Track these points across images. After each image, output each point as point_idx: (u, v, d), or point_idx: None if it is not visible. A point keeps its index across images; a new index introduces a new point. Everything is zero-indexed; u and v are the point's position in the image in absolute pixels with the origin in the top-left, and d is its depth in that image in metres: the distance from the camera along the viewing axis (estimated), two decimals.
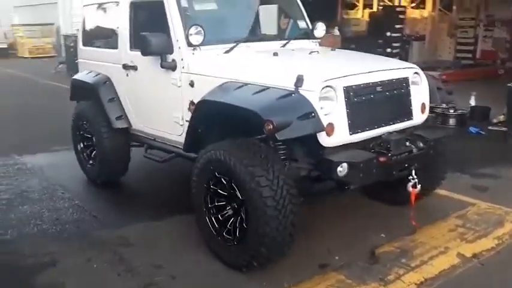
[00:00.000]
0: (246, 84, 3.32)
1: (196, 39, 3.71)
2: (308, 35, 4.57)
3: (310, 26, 4.60)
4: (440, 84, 4.16)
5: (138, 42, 3.95)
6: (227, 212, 3.29)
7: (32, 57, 20.13)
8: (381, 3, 17.42)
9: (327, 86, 3.11)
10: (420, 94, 3.71)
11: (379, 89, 3.40)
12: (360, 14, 19.28)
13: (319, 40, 4.60)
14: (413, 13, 16.72)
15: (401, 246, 3.58)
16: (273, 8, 4.75)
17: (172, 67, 3.87)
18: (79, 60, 5.34)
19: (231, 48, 3.89)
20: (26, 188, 5.03)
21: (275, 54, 3.72)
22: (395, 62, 3.83)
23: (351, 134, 3.22)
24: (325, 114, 3.09)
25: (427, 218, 4.02)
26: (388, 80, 3.46)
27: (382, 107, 3.43)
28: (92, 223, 4.16)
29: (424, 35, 15.91)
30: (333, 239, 3.72)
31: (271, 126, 2.84)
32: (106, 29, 4.84)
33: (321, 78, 3.11)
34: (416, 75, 3.70)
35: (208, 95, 3.42)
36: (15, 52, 21.49)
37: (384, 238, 3.72)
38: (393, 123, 3.49)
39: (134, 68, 4.34)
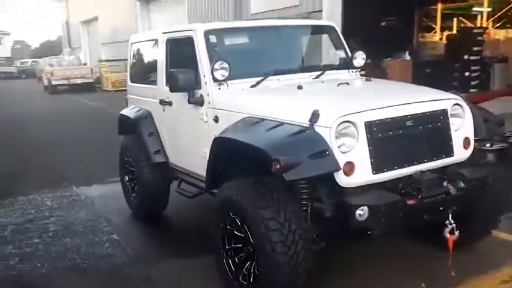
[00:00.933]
0: (263, 120, 3.18)
1: (221, 73, 3.64)
2: (347, 64, 4.35)
3: (350, 55, 4.39)
4: (490, 115, 3.73)
5: (168, 79, 3.97)
6: (242, 255, 3.12)
7: (114, 90, 21.42)
8: (461, 25, 16.61)
9: (345, 122, 2.87)
10: (463, 127, 3.34)
11: (409, 123, 3.09)
12: (438, 37, 18.50)
13: (358, 70, 4.37)
14: (496, 34, 15.72)
15: None
16: (311, 39, 4.59)
17: (200, 102, 3.83)
18: (128, 95, 5.50)
19: (258, 82, 3.78)
20: (73, 220, 5.19)
21: (299, 87, 3.54)
22: (433, 93, 3.47)
23: (374, 174, 2.93)
24: (344, 152, 2.85)
25: (478, 266, 3.57)
26: (420, 114, 3.14)
27: (413, 143, 3.10)
28: (123, 258, 4.16)
29: (507, 57, 14.79)
30: (363, 285, 3.40)
31: (278, 166, 2.66)
32: (148, 66, 4.95)
33: (338, 113, 2.88)
34: (457, 106, 3.33)
35: (224, 131, 3.32)
36: (100, 86, 23.08)
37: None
38: (428, 161, 3.14)
39: (169, 103, 4.36)
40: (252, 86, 3.77)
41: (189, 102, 3.88)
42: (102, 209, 5.50)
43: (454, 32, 16.90)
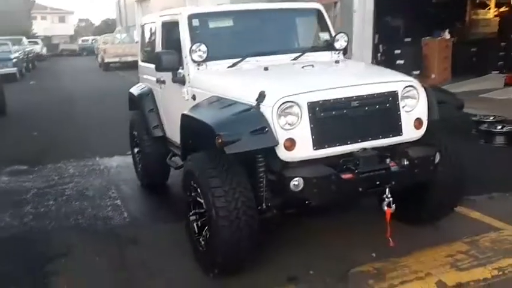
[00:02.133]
0: (221, 99, 3.51)
1: (198, 55, 3.97)
2: (329, 46, 4.54)
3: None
4: (450, 98, 3.82)
5: (154, 59, 4.36)
6: (203, 220, 3.49)
7: None
8: None
9: (288, 102, 3.14)
10: (415, 109, 3.50)
11: (355, 104, 3.30)
12: (492, 14, 17.71)
13: (340, 51, 4.55)
14: None
15: (381, 267, 3.40)
16: (297, 22, 4.80)
17: (182, 81, 4.20)
18: (139, 74, 5.96)
19: (234, 64, 4.09)
20: (88, 186, 5.79)
21: (265, 68, 3.82)
22: (386, 76, 3.63)
23: (315, 149, 3.19)
24: (286, 130, 3.13)
25: (431, 240, 3.76)
26: (367, 95, 3.34)
27: (358, 122, 3.32)
28: (118, 221, 4.67)
29: None
30: (319, 254, 3.68)
31: (220, 140, 2.99)
32: (150, 46, 5.36)
33: (280, 94, 3.16)
34: (410, 88, 3.48)
35: (191, 109, 3.67)
36: None
37: (372, 258, 3.57)
38: (373, 139, 3.35)
39: (163, 82, 4.76)
40: (229, 67, 4.08)
41: (173, 81, 4.27)
42: (115, 178, 6.06)
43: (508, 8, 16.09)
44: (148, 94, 5.25)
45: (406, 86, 3.48)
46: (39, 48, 35.45)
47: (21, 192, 5.64)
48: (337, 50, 4.52)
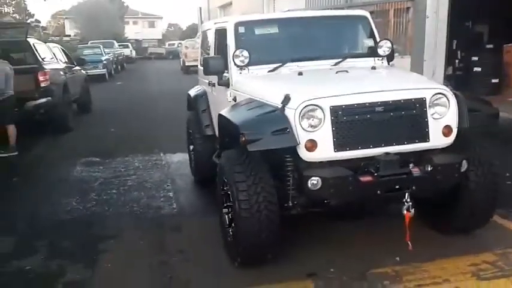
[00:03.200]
0: (253, 101, 3.75)
1: (240, 60, 4.25)
2: (372, 53, 4.62)
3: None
4: (485, 107, 3.76)
5: (202, 64, 4.71)
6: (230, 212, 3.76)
7: None
8: None
9: (311, 105, 3.32)
10: (445, 116, 3.52)
11: (379, 109, 3.40)
12: None
13: (384, 58, 4.61)
14: None
15: (401, 270, 3.47)
16: (343, 28, 4.92)
17: (226, 84, 4.51)
18: (198, 77, 6.38)
19: (275, 68, 4.32)
20: (148, 178, 6.29)
21: (300, 73, 4.01)
22: (415, 83, 3.68)
23: (336, 151, 3.33)
24: (308, 131, 3.31)
25: (460, 249, 3.74)
26: (393, 101, 3.42)
27: (382, 127, 3.40)
28: (167, 211, 5.08)
29: None
30: (343, 253, 3.80)
31: (243, 139, 3.25)
32: (206, 52, 5.74)
33: (303, 97, 3.34)
34: (440, 95, 3.51)
35: (226, 109, 3.96)
36: None
37: (396, 261, 3.62)
38: (397, 144, 3.42)
39: (214, 85, 5.11)
40: (269, 72, 4.33)
41: (218, 84, 4.59)
42: (173, 172, 6.53)
43: None
44: (203, 96, 5.62)
45: (436, 94, 3.51)
46: (129, 51, 37.95)
47: (90, 181, 6.26)
48: (380, 56, 4.59)
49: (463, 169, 3.49)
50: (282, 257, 3.67)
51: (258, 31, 4.71)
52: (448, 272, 3.40)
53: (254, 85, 4.08)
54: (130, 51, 39.00)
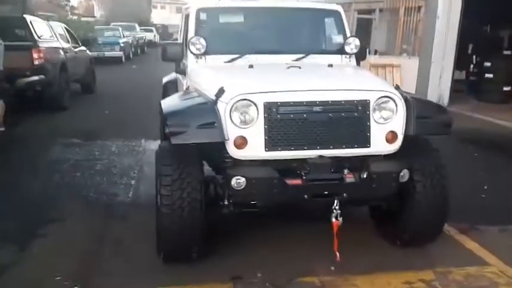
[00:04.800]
0: (194, 92, 3.58)
1: (197, 47, 4.08)
2: (339, 50, 4.38)
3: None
4: (438, 115, 3.48)
5: (161, 50, 4.56)
6: None
7: None
8: None
9: (243, 100, 3.13)
10: (391, 121, 3.28)
11: (317, 109, 3.19)
12: None
13: (351, 56, 4.38)
14: None
15: (328, 282, 3.27)
16: (313, 22, 4.69)
17: (183, 72, 4.35)
18: None
19: (232, 59, 4.13)
20: (117, 164, 6.19)
21: (251, 66, 3.81)
22: (360, 83, 3.45)
23: (266, 151, 3.14)
24: (238, 127, 3.12)
25: (404, 264, 3.51)
26: (333, 101, 3.20)
27: (319, 129, 3.18)
28: (121, 199, 4.96)
29: None
30: (277, 259, 3.59)
31: (167, 130, 3.09)
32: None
33: (236, 91, 3.15)
34: (387, 99, 3.27)
35: (167, 98, 3.79)
36: None
37: (329, 271, 3.42)
38: (334, 148, 3.20)
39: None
40: (226, 62, 4.14)
41: (176, 72, 4.44)
42: (145, 160, 6.38)
43: None
44: (173, 83, 5.48)
45: (382, 97, 3.27)
46: (152, 35, 38.00)
47: (60, 162, 6.20)
48: (347, 54, 4.36)
49: (402, 179, 3.26)
50: (210, 256, 3.52)
51: (222, 19, 4.54)
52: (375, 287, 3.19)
53: (203, 75, 3.90)
54: (154, 35, 39.04)
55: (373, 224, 4.06)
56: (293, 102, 3.17)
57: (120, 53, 22.60)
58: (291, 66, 3.82)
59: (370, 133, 3.24)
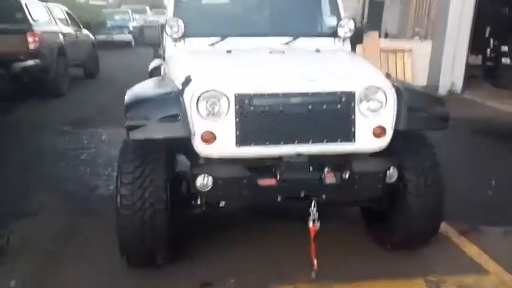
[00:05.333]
0: (161, 80, 3.26)
1: (174, 30, 3.74)
2: (334, 33, 3.98)
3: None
4: (434, 108, 3.09)
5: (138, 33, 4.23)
6: None
7: None
8: None
9: (211, 91, 2.79)
10: (378, 114, 2.92)
11: (296, 100, 2.84)
12: None
13: (346, 40, 3.98)
14: None
15: None
16: (301, 1, 4.30)
17: (161, 57, 4.02)
18: None
19: (215, 43, 3.78)
20: (105, 153, 5.91)
21: (228, 51, 3.47)
22: (350, 72, 3.08)
23: (237, 147, 2.81)
24: (206, 121, 2.80)
25: (393, 271, 3.18)
26: (313, 93, 2.84)
27: (297, 122, 2.84)
28: (102, 193, 4.68)
29: None
30: (255, 264, 3.28)
31: (126, 124, 2.78)
32: None
33: (204, 81, 2.82)
34: (374, 90, 2.91)
35: (134, 86, 3.45)
36: None
37: (309, 278, 3.08)
38: (314, 143, 2.86)
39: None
40: (209, 46, 3.79)
41: (154, 57, 4.10)
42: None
43: None
44: (157, 69, 5.13)
45: (370, 87, 2.91)
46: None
47: (46, 151, 5.97)
48: (341, 37, 3.97)
49: (390, 179, 2.91)
50: (179, 261, 3.23)
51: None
52: None
53: (177, 61, 3.56)
54: None
55: (363, 224, 3.73)
56: (268, 93, 2.82)
57: (129, 36, 22.30)
58: (273, 52, 3.45)
59: (355, 127, 2.89)
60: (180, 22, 3.70)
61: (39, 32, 8.96)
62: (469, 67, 11.11)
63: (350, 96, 2.87)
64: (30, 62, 8.68)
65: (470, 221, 3.97)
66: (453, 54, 10.44)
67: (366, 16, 11.70)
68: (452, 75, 10.60)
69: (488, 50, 13.41)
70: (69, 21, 11.39)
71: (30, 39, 8.70)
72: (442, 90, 10.65)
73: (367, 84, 2.90)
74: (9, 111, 7.97)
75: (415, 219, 3.13)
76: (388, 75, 3.04)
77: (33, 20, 9.06)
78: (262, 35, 3.89)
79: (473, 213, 4.14)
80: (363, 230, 3.70)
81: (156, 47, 4.05)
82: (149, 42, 4.02)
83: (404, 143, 3.09)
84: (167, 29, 3.73)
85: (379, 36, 11.11)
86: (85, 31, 12.45)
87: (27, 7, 9.06)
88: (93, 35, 13.49)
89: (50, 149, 6.06)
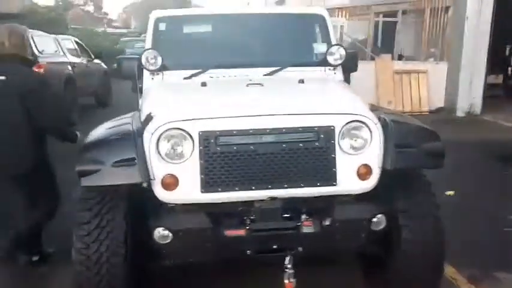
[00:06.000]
0: (128, 117, 3.00)
1: (151, 62, 3.51)
2: (324, 61, 3.67)
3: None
4: (424, 141, 2.71)
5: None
6: None
7: None
8: None
9: (174, 129, 2.51)
10: (363, 152, 2.58)
11: (268, 138, 2.53)
12: None
13: (336, 68, 3.67)
14: None
15: None
16: (288, 29, 4.00)
17: (139, 91, 3.78)
18: None
19: (192, 75, 3.52)
20: None
21: (203, 84, 3.19)
22: (330, 104, 2.76)
23: (203, 192, 2.50)
24: (167, 163, 2.51)
25: None
26: (287, 128, 2.53)
27: (271, 163, 2.52)
28: None
29: None
30: None
31: (76, 169, 2.51)
32: None
33: (165, 118, 2.53)
34: (357, 124, 2.58)
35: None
36: None
37: None
38: (289, 187, 2.52)
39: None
40: (185, 79, 3.54)
41: (132, 91, 3.87)
42: None
43: None
44: None
45: (352, 121, 2.58)
46: None
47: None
48: (331, 65, 3.65)
49: (377, 227, 2.55)
50: None
51: (186, 29, 3.93)
52: None
53: (150, 96, 3.30)
54: None
55: (358, 268, 3.33)
56: (237, 130, 2.52)
57: None
58: (251, 84, 3.16)
59: (336, 168, 2.55)
60: (157, 54, 3.47)
61: (44, 63, 8.91)
62: (488, 87, 10.65)
63: (329, 132, 2.55)
64: None
65: (482, 265, 3.54)
66: (470, 74, 10.01)
67: (375, 38, 11.37)
68: (470, 96, 10.15)
69: (510, 69, 12.93)
70: (79, 52, 11.41)
71: (35, 70, 8.64)
72: (460, 112, 10.21)
73: (348, 119, 2.57)
74: None
75: (413, 267, 2.74)
76: (373, 107, 2.71)
77: (39, 51, 9.05)
78: (246, 65, 3.61)
79: (486, 256, 3.70)
80: (358, 275, 3.30)
81: (134, 80, 3.81)
82: (126, 75, 3.79)
83: (395, 181, 2.72)
84: (144, 61, 3.50)
85: (392, 58, 10.74)
86: (97, 60, 12.47)
87: (33, 39, 9.05)
88: (108, 64, 13.49)
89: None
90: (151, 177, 2.49)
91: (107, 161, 2.49)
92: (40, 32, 10.07)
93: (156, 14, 3.84)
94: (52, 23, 18.30)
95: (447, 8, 10.42)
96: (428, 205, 2.76)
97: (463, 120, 9.99)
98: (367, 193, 2.61)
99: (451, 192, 5.08)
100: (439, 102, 10.59)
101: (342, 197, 2.60)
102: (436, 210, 2.78)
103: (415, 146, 2.65)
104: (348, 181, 2.57)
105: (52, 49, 9.89)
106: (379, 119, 2.63)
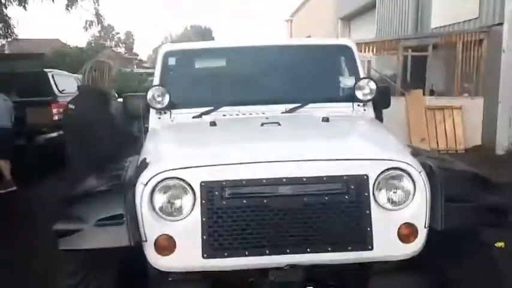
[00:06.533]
0: (127, 163, 2.57)
1: (158, 100, 3.13)
2: (352, 97, 3.22)
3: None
4: (480, 193, 2.18)
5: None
6: None
7: None
8: None
9: (170, 178, 2.07)
10: (405, 207, 2.08)
11: (284, 190, 2.06)
12: None
13: (367, 103, 3.20)
14: None
15: None
16: (311, 62, 3.56)
17: (145, 132, 3.38)
18: None
19: (202, 114, 3.12)
20: None
21: (212, 123, 2.76)
22: (359, 147, 2.27)
23: (205, 258, 2.03)
24: (162, 221, 2.06)
25: None
26: (309, 178, 2.06)
27: (289, 221, 2.05)
28: None
29: None
30: None
31: (53, 228, 2.08)
32: None
33: (160, 167, 2.10)
34: (397, 172, 2.09)
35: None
36: None
37: None
38: (313, 252, 2.03)
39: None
40: (194, 117, 3.13)
41: (138, 131, 3.48)
42: None
43: None
44: None
45: (390, 168, 2.08)
46: None
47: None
48: (360, 101, 3.19)
49: None
50: None
51: (198, 64, 3.56)
52: None
53: (152, 138, 2.89)
54: None
55: None
56: (247, 180, 2.06)
57: None
58: (267, 123, 2.71)
59: (371, 227, 2.05)
60: (165, 91, 3.09)
61: (64, 103, 8.75)
62: None
63: (362, 182, 2.06)
64: (54, 134, 8.45)
65: None
66: (509, 109, 9.36)
67: (404, 73, 10.89)
68: (511, 133, 9.45)
69: None
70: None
71: (54, 110, 8.53)
72: (500, 150, 9.51)
73: (385, 166, 2.08)
74: (32, 184, 7.61)
75: None
76: (416, 151, 2.21)
77: (59, 91, 8.93)
78: (263, 102, 3.19)
79: None
80: None
81: (140, 120, 3.43)
82: (131, 114, 3.41)
83: (447, 244, 2.19)
84: (150, 98, 3.12)
85: (424, 93, 10.19)
86: (120, 99, 12.37)
87: (53, 79, 8.97)
88: None
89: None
90: (143, 238, 2.04)
91: (90, 218, 2.05)
92: (62, 72, 10.03)
93: (165, 47, 3.49)
94: (82, 64, 18.56)
95: (480, 41, 9.89)
96: (489, 274, 2.20)
97: (504, 159, 9.27)
98: (411, 259, 2.08)
99: (501, 244, 4.44)
100: (475, 139, 9.92)
101: (379, 264, 2.08)
102: (496, 276, 2.22)
103: (471, 199, 2.12)
104: (387, 244, 2.06)
105: (72, 88, 9.78)
106: (424, 165, 2.13)
